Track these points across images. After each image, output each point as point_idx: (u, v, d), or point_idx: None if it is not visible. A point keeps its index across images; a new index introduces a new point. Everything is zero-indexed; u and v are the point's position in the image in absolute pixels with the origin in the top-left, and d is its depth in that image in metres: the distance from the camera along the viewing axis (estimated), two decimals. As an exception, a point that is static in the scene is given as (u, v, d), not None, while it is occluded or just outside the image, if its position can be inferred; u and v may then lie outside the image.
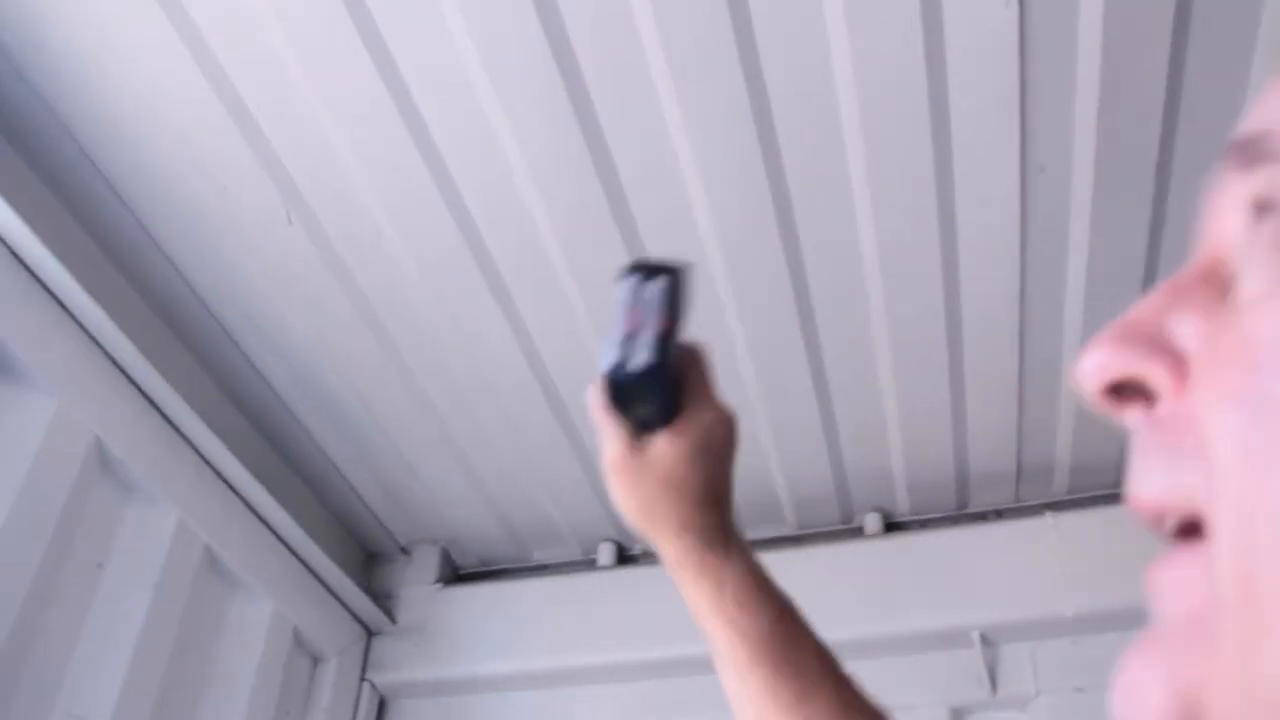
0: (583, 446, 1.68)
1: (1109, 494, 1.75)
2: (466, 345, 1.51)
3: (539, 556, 1.98)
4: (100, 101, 1.21)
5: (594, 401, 0.75)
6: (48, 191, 1.28)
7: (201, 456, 1.49)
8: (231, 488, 1.54)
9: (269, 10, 1.12)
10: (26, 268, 1.22)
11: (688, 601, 0.73)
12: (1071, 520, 1.68)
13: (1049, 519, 1.68)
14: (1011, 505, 1.79)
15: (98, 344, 1.32)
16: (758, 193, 1.29)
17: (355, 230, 1.36)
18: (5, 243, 1.20)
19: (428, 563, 1.94)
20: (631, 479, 0.73)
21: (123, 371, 1.36)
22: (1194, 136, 1.24)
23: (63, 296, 1.26)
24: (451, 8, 1.12)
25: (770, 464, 1.68)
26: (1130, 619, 1.57)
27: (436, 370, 1.56)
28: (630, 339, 0.69)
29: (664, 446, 0.72)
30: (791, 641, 0.70)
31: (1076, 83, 1.18)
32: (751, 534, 1.86)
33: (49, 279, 1.24)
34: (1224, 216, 0.33)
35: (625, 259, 1.29)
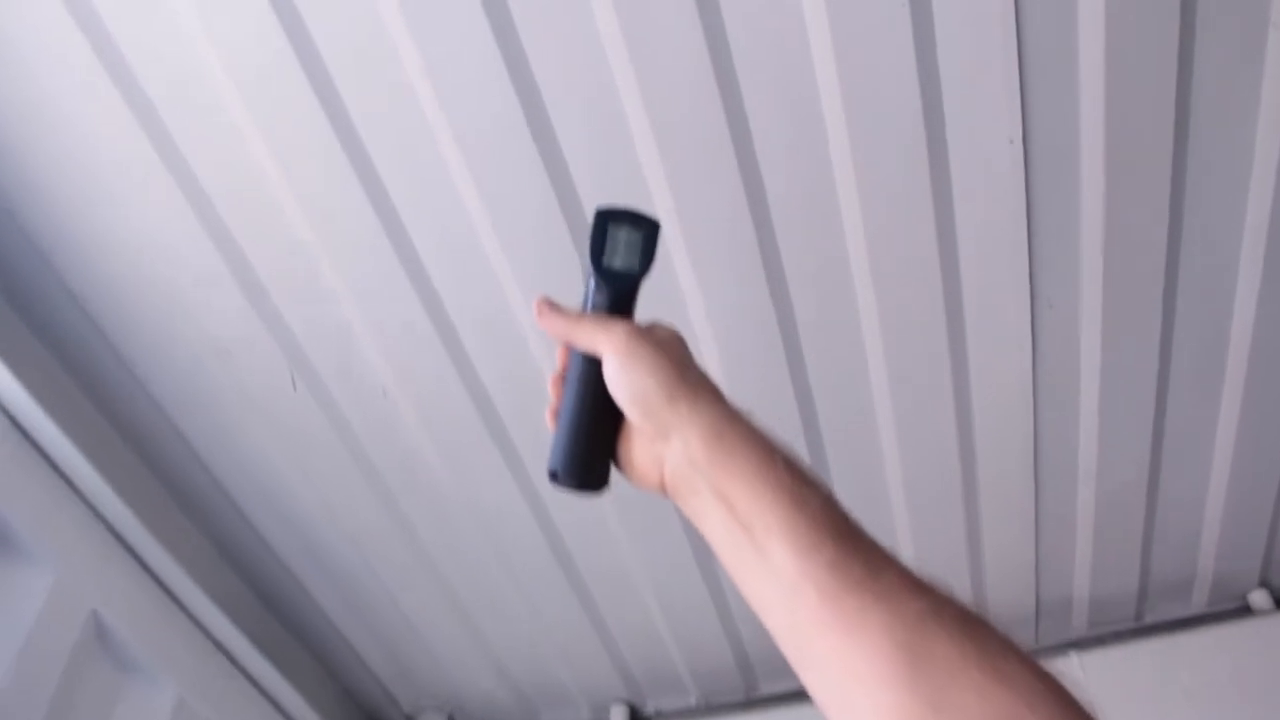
0: (594, 605, 1.65)
1: (1131, 629, 1.72)
2: (472, 506, 1.50)
3: (548, 719, 1.91)
4: (103, 263, 1.23)
5: (563, 316, 0.75)
6: (48, 354, 1.28)
7: (202, 629, 1.44)
8: (232, 659, 1.49)
9: (275, 168, 1.15)
10: (27, 436, 1.21)
11: (729, 478, 0.63)
12: (1096, 659, 1.64)
13: (1074, 659, 1.63)
14: (1033, 647, 1.74)
15: (97, 513, 1.30)
16: (767, 334, 1.30)
17: (361, 391, 1.36)
18: (5, 410, 1.20)
19: (433, 730, 1.86)
20: (656, 345, 0.70)
21: (122, 541, 1.33)
22: (1198, 269, 1.27)
23: (63, 465, 1.24)
24: (462, 174, 1.15)
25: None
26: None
27: (442, 532, 1.54)
28: (612, 262, 0.76)
29: (666, 327, 0.75)
30: (847, 515, 0.61)
31: (1081, 216, 1.21)
32: (768, 685, 1.81)
33: (49, 447, 1.23)
34: None
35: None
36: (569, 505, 1.49)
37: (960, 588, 1.60)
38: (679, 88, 1.10)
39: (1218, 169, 1.18)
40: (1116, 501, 1.51)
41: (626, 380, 0.70)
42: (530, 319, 1.26)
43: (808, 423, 1.41)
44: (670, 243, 1.21)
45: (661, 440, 0.69)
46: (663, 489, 0.70)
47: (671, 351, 0.71)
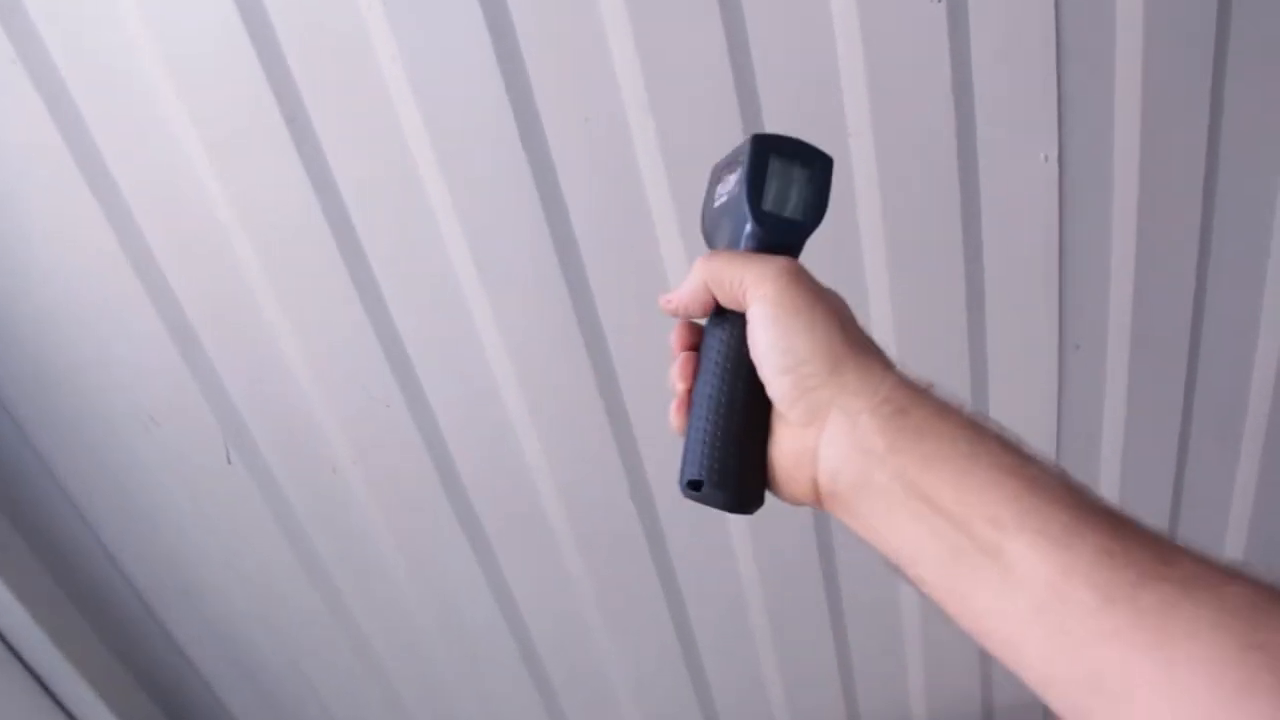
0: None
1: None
2: (438, 609, 1.32)
3: None
4: (14, 321, 1.05)
5: (710, 260, 0.57)
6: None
7: (104, 753, 1.22)
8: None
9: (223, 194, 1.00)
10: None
11: (924, 465, 0.47)
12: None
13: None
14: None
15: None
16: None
17: (307, 465, 1.18)
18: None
19: None
20: (817, 293, 0.53)
21: (13, 651, 1.13)
22: (1225, 311, 1.23)
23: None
24: (450, 224, 1.02)
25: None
26: None
27: (402, 644, 1.36)
28: (776, 206, 0.58)
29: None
30: (1097, 494, 0.44)
31: (1111, 259, 1.16)
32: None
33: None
34: None
35: (631, 501, 1.17)
36: (543, 608, 1.34)
37: (969, 656, 1.49)
38: (697, 103, 1.00)
39: (1247, 209, 1.16)
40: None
41: (774, 338, 0.52)
42: (514, 390, 1.12)
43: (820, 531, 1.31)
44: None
45: (816, 426, 0.51)
46: (816, 497, 0.53)
47: (836, 304, 0.54)
